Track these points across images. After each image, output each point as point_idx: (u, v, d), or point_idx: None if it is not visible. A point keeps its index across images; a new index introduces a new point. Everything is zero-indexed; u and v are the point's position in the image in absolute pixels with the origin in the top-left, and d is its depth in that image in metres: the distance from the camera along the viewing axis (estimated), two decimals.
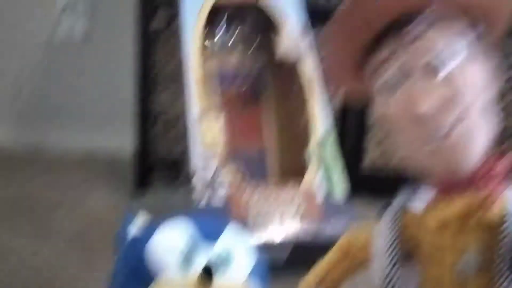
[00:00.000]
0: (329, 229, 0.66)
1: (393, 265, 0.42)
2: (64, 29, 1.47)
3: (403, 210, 0.44)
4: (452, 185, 0.41)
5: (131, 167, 1.13)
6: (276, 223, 0.66)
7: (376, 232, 0.46)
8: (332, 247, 0.64)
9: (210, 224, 0.49)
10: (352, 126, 1.11)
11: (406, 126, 0.41)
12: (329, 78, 0.52)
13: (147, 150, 1.13)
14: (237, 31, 0.91)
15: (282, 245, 0.66)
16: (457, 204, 0.41)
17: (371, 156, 1.12)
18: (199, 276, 0.42)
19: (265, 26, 0.88)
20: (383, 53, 0.42)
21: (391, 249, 0.43)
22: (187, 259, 0.45)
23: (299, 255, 0.68)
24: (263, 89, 0.89)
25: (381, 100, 0.43)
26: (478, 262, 0.40)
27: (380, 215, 0.46)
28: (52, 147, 1.45)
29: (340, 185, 0.70)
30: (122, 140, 1.33)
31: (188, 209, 0.67)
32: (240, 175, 0.70)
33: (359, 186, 1.14)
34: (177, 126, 1.02)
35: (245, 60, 0.91)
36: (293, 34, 0.84)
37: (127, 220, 0.50)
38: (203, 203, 0.66)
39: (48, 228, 0.91)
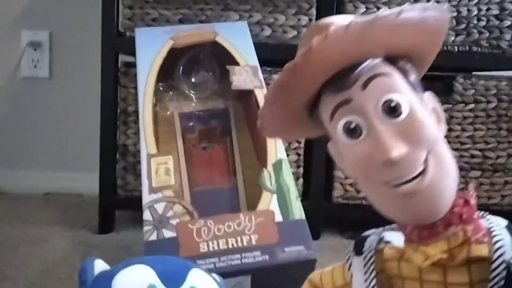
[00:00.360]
0: (287, 253, 0.66)
1: None
2: (29, 65, 1.46)
3: (378, 248, 0.43)
4: (429, 227, 0.40)
5: (96, 206, 1.11)
6: (232, 252, 0.65)
7: (353, 271, 0.45)
8: (290, 270, 0.63)
9: (172, 268, 0.48)
10: (321, 155, 1.12)
11: (377, 171, 0.39)
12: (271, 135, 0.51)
13: (112, 189, 1.11)
14: (195, 73, 0.93)
15: (241, 273, 0.65)
16: (442, 242, 0.39)
17: (342, 185, 1.13)
18: None
19: (221, 65, 0.90)
20: (338, 97, 0.41)
21: None
22: None
23: (259, 281, 0.67)
24: (227, 125, 0.91)
25: (345, 144, 0.41)
26: None
27: (354, 252, 0.45)
28: (14, 185, 1.42)
29: (296, 209, 0.70)
30: (87, 178, 1.30)
31: (145, 251, 0.66)
32: (191, 211, 0.70)
33: (330, 215, 1.15)
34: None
35: (206, 100, 0.92)
36: (248, 68, 0.86)
37: (88, 263, 0.48)
38: (152, 240, 0.66)
39: (10, 267, 0.88)
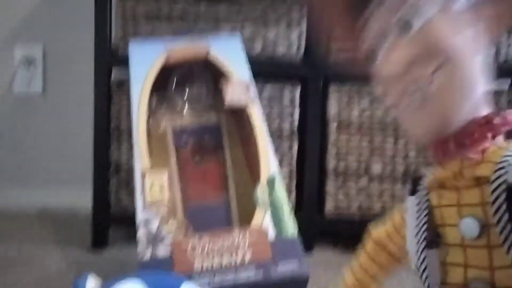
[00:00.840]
0: (280, 270, 0.66)
1: (423, 247, 0.41)
2: (22, 81, 1.46)
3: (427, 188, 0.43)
4: (444, 146, 0.40)
5: (89, 223, 1.10)
6: (226, 269, 0.66)
7: (408, 211, 0.45)
8: (283, 287, 0.64)
9: (164, 284, 0.48)
10: (313, 167, 1.13)
11: (391, 85, 0.41)
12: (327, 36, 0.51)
13: (105, 206, 1.11)
14: (188, 87, 0.94)
15: None
16: (451, 165, 0.40)
17: (334, 199, 1.14)
18: None
19: (214, 79, 0.91)
20: (364, 15, 0.42)
21: (418, 230, 0.42)
22: None
23: None
24: (220, 140, 0.91)
25: (373, 62, 0.43)
26: (480, 220, 0.38)
27: (408, 192, 0.45)
28: (7, 203, 1.41)
29: (289, 226, 0.71)
30: (80, 195, 1.30)
31: (139, 268, 0.66)
32: (185, 228, 0.71)
33: (323, 229, 1.16)
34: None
35: (198, 115, 0.93)
36: (240, 84, 0.87)
37: (80, 282, 0.49)
38: (147, 258, 0.66)
39: (4, 284, 0.88)
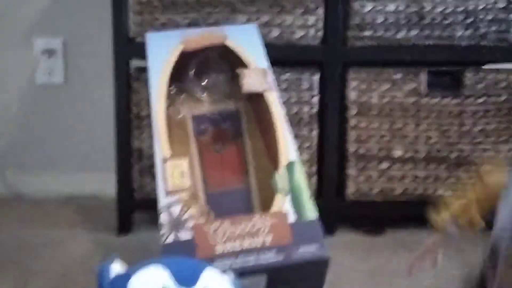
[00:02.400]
0: (301, 253, 0.67)
1: None
2: (43, 72, 1.49)
3: None
4: None
5: (113, 209, 1.13)
6: (247, 253, 0.67)
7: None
8: (304, 269, 0.63)
9: (186, 269, 0.49)
10: (333, 153, 1.13)
11: None
12: None
13: (129, 191, 1.14)
14: (206, 75, 0.95)
15: (256, 274, 0.67)
16: None
17: (355, 183, 1.14)
18: None
19: (232, 67, 0.91)
20: None
21: None
22: None
23: (274, 281, 0.69)
24: (239, 127, 0.92)
25: None
26: None
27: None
28: (33, 189, 1.46)
29: (309, 210, 0.71)
30: (104, 181, 1.33)
31: (162, 252, 0.67)
32: (206, 213, 0.72)
33: (344, 213, 1.16)
34: None
35: (217, 102, 0.94)
36: (258, 71, 0.87)
37: (105, 266, 0.50)
38: (169, 242, 0.67)
39: (31, 271, 0.91)
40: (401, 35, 1.12)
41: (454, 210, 0.53)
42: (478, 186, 0.52)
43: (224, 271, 0.53)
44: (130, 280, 0.47)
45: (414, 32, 1.11)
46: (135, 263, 0.51)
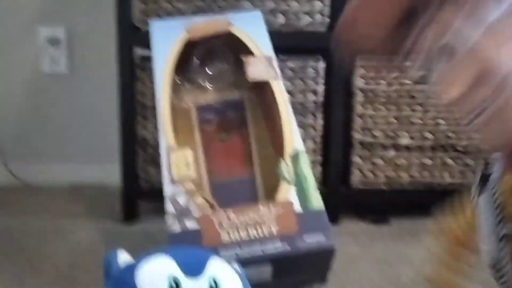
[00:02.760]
0: (306, 242, 0.67)
1: (499, 242, 0.42)
2: (48, 61, 1.48)
3: (499, 182, 0.43)
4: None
5: (119, 198, 1.13)
6: (253, 242, 0.67)
7: (479, 210, 0.45)
8: (310, 259, 0.64)
9: (192, 259, 0.49)
10: (338, 141, 1.13)
11: (456, 106, 0.39)
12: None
13: (134, 180, 1.14)
14: (211, 64, 0.94)
15: (262, 263, 0.67)
16: None
17: (360, 171, 1.14)
18: None
19: (236, 55, 0.91)
20: (408, 41, 0.40)
21: (496, 226, 0.42)
22: (177, 287, 0.46)
23: (280, 270, 0.69)
24: (244, 116, 0.91)
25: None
26: None
27: (477, 191, 0.45)
28: (39, 178, 1.46)
29: (314, 199, 0.71)
30: (109, 170, 1.33)
31: (168, 241, 0.68)
32: (212, 202, 0.72)
33: (349, 201, 1.16)
34: None
35: (222, 92, 0.93)
36: (263, 58, 0.86)
37: (112, 255, 0.50)
38: (175, 231, 0.67)
39: (39, 258, 0.91)
40: None
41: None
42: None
43: (229, 261, 0.53)
44: (138, 270, 0.47)
45: None
46: (140, 252, 0.51)
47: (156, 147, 1.12)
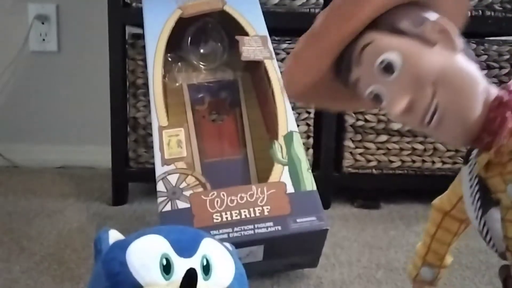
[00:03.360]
0: (299, 223, 0.68)
1: (479, 209, 0.45)
2: (37, 39, 1.46)
3: (476, 159, 0.46)
4: (480, 141, 0.43)
5: (109, 178, 1.12)
6: (245, 223, 0.66)
7: (462, 179, 0.48)
8: (302, 240, 0.67)
9: (185, 238, 0.48)
10: (330, 125, 1.12)
11: (406, 122, 0.45)
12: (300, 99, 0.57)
13: (124, 161, 1.12)
14: (204, 44, 0.92)
15: (254, 243, 0.67)
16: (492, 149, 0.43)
17: (352, 156, 1.13)
18: (182, 281, 0.42)
19: (230, 35, 0.89)
20: (352, 75, 0.46)
21: (473, 197, 0.46)
22: (168, 266, 0.45)
23: (272, 251, 0.69)
24: (237, 96, 0.90)
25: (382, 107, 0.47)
26: None
27: (463, 162, 0.48)
28: (28, 159, 1.44)
29: (307, 181, 0.71)
30: (99, 151, 1.32)
31: (159, 221, 0.67)
32: (204, 182, 0.71)
33: (341, 184, 1.16)
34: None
35: (214, 71, 0.92)
36: (257, 38, 0.85)
37: (103, 233, 0.49)
38: (166, 210, 0.67)
39: (27, 238, 0.90)
40: None
41: (423, 254, 0.58)
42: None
43: (222, 241, 0.53)
44: (129, 247, 0.46)
45: None
46: (131, 233, 0.50)
47: (146, 127, 1.11)
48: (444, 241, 0.57)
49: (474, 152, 0.47)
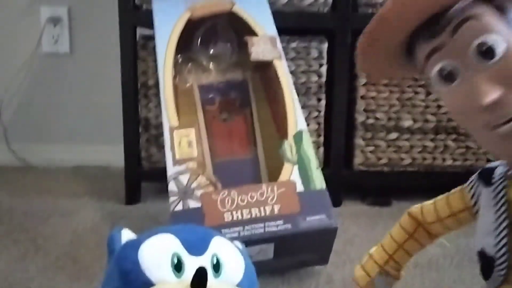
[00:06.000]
0: (308, 221, 0.68)
1: (503, 237, 0.42)
2: (49, 41, 1.47)
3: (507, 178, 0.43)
4: None
5: (122, 178, 1.14)
6: (255, 221, 0.67)
7: (481, 202, 0.45)
8: (312, 238, 0.66)
9: (195, 237, 0.49)
10: (341, 123, 1.12)
11: (473, 116, 0.40)
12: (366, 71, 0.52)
13: (137, 161, 1.14)
14: (214, 44, 0.93)
15: (264, 241, 0.67)
16: None
17: (362, 153, 1.13)
18: (193, 279, 0.43)
19: (239, 36, 0.90)
20: (430, 44, 0.41)
21: (498, 220, 0.42)
22: (179, 264, 0.46)
23: (282, 249, 0.69)
24: (246, 96, 0.91)
25: (441, 90, 0.42)
26: None
27: (482, 183, 0.45)
28: (42, 159, 1.46)
29: (317, 179, 0.71)
30: (112, 151, 1.33)
31: (171, 220, 0.68)
32: (215, 182, 0.72)
33: (351, 182, 1.16)
34: None
35: (224, 71, 0.93)
36: (266, 38, 0.85)
37: (116, 233, 0.50)
38: (178, 210, 0.68)
39: (42, 237, 0.92)
40: None
41: (383, 262, 0.55)
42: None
43: (232, 239, 0.53)
44: (141, 246, 0.47)
45: None
46: (143, 231, 0.51)
47: (158, 127, 1.12)
48: (411, 252, 0.54)
49: (498, 172, 0.44)
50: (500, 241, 0.42)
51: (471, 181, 0.49)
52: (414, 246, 0.54)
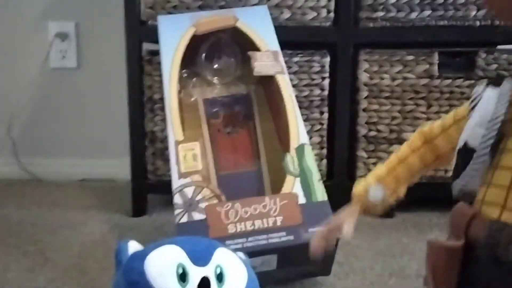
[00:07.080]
0: (310, 233, 0.69)
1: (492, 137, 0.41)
2: (57, 56, 1.50)
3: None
4: None
5: (128, 191, 1.15)
6: (258, 233, 0.69)
7: (480, 99, 0.44)
8: None
9: (200, 248, 0.51)
10: (343, 135, 1.14)
11: None
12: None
13: (143, 174, 1.16)
14: (217, 59, 0.95)
15: (268, 252, 0.69)
16: None
17: (365, 166, 1.15)
18: None
19: (243, 50, 0.92)
20: None
21: (498, 114, 0.41)
22: (184, 274, 0.47)
23: (285, 260, 0.71)
24: (250, 110, 0.93)
25: None
26: None
27: (489, 84, 0.44)
28: (50, 172, 1.48)
29: (319, 192, 0.72)
30: (119, 164, 1.35)
31: (176, 232, 0.70)
32: (219, 194, 0.73)
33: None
34: None
35: (228, 86, 0.95)
36: (269, 53, 0.87)
37: (123, 245, 0.52)
38: (183, 222, 0.69)
39: (51, 249, 0.94)
40: (414, 15, 1.11)
41: (381, 175, 0.53)
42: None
43: (236, 251, 0.55)
44: (147, 258, 0.49)
45: (427, 13, 1.11)
46: (150, 242, 0.53)
47: (164, 141, 1.14)
48: (412, 169, 0.52)
49: (508, 82, 0.42)
50: (490, 132, 0.41)
51: (474, 92, 0.47)
52: (416, 162, 0.52)
